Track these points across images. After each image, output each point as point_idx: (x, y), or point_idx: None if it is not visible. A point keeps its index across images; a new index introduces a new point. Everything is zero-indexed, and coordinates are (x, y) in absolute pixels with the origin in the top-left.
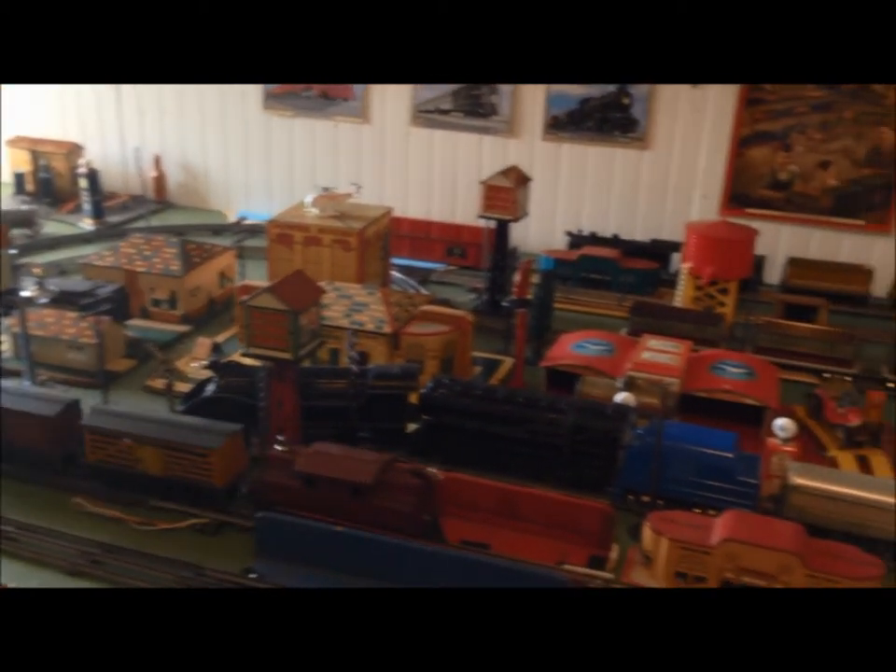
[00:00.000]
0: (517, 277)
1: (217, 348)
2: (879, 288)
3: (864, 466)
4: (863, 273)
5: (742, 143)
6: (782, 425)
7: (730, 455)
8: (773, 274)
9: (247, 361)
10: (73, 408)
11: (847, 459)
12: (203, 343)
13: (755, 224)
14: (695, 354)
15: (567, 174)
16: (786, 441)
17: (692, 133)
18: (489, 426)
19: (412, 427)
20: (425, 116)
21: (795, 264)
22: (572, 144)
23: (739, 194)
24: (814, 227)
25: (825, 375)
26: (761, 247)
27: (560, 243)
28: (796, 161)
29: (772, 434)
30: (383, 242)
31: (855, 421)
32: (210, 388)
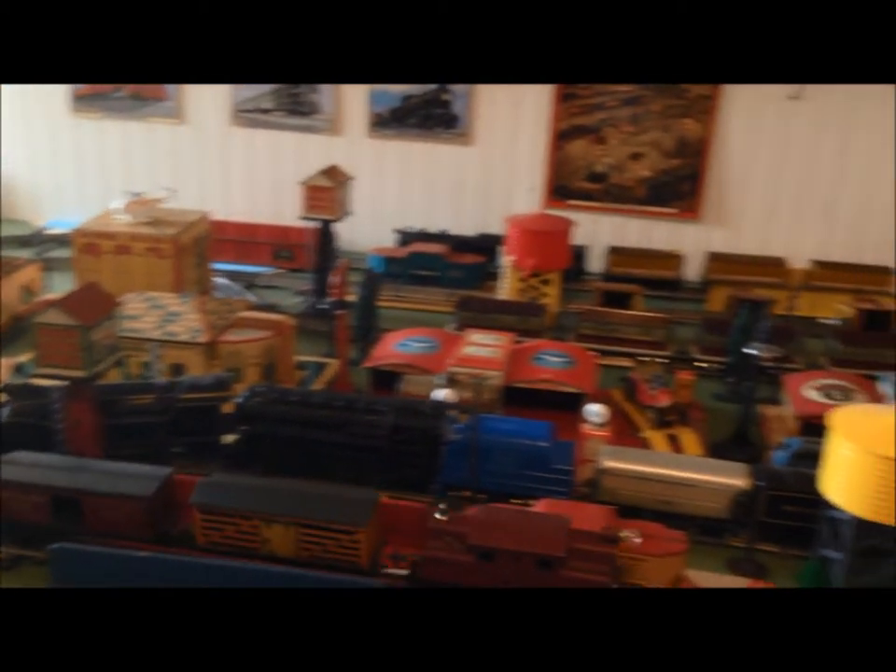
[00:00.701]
0: (334, 279)
1: (19, 369)
2: (691, 272)
3: (675, 444)
4: (676, 259)
5: (560, 136)
6: (595, 410)
7: (545, 445)
8: (597, 264)
9: (44, 381)
10: (169, 482)
11: (658, 439)
12: (2, 365)
13: (577, 215)
14: (518, 346)
15: (395, 171)
16: (599, 425)
17: (512, 127)
18: (308, 432)
19: (229, 438)
20: (245, 115)
21: (615, 252)
22: (397, 141)
23: (561, 187)
24: (631, 216)
25: (642, 359)
26: (583, 238)
27: (391, 241)
28: (611, 154)
29: (586, 420)
30: (200, 247)
31: (665, 401)
32: (2, 413)
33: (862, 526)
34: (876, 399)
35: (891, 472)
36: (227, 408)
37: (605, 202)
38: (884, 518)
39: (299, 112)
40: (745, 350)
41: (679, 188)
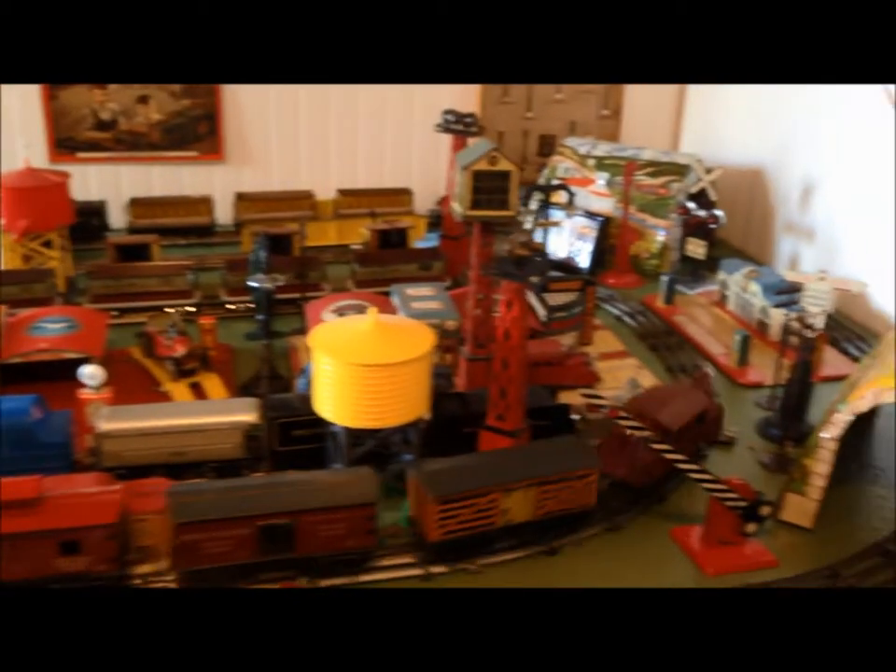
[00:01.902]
0: None
1: None
2: (225, 215)
3: (198, 392)
4: (205, 203)
5: (54, 84)
6: (88, 373)
7: (29, 420)
8: (122, 218)
9: None
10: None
11: (180, 390)
12: None
13: (91, 168)
14: (10, 318)
15: None
16: (97, 388)
17: None
18: None
19: None
20: None
21: (137, 204)
22: None
23: (66, 139)
24: (151, 163)
25: (169, 310)
26: (101, 192)
27: None
28: (114, 99)
29: (84, 385)
30: None
31: (181, 350)
32: None
33: (353, 435)
34: (391, 311)
35: (366, 379)
36: None
37: (119, 150)
38: (368, 423)
39: None
40: (249, 283)
41: (196, 129)
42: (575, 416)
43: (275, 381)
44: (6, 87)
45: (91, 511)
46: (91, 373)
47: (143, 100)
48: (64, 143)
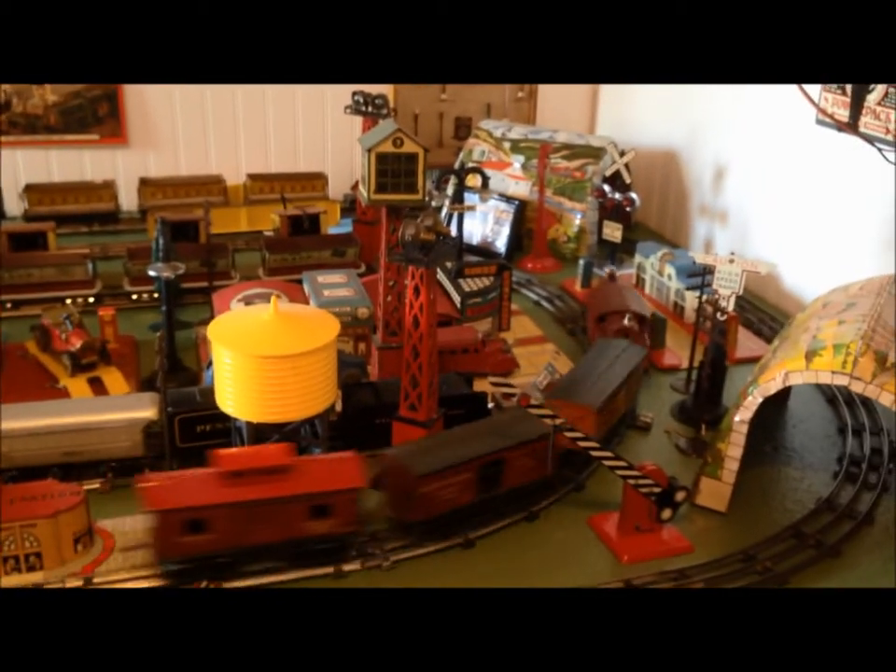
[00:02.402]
0: None
1: None
2: (131, 202)
3: (99, 387)
4: (108, 189)
5: None
6: None
7: None
8: (18, 206)
9: None
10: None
11: (78, 385)
12: None
13: None
14: None
15: None
16: None
17: None
18: None
19: None
20: None
21: (32, 190)
22: None
23: None
24: (49, 148)
25: (67, 302)
26: None
27: None
28: None
29: None
30: None
31: (77, 344)
32: None
33: (256, 430)
34: (302, 299)
35: (266, 371)
36: None
37: (14, 134)
38: (271, 417)
39: None
40: (149, 272)
41: (96, 111)
42: (490, 404)
43: (182, 373)
44: None
45: (340, 476)
46: None
47: None
48: None
